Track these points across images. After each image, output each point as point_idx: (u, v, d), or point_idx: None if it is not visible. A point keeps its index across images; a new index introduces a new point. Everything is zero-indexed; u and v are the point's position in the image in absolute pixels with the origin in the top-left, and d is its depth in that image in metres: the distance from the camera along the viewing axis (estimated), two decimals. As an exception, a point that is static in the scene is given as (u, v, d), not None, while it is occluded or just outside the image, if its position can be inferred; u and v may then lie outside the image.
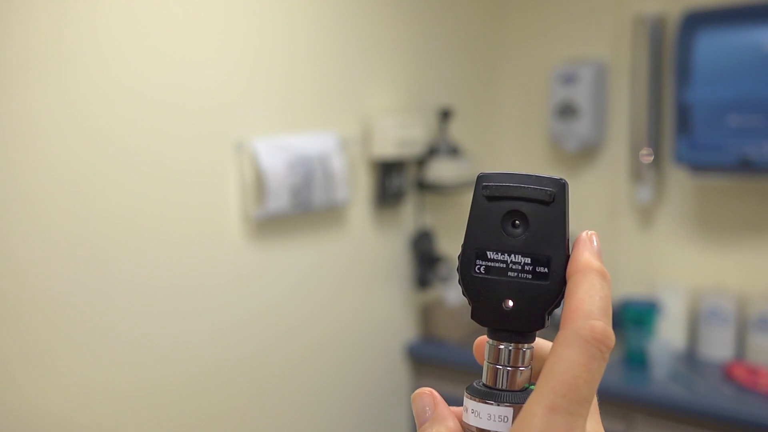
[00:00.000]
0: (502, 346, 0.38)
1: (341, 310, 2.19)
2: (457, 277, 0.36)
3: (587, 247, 0.36)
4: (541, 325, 0.37)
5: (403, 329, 2.44)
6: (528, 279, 0.37)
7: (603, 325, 0.33)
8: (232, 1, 1.82)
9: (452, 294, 2.45)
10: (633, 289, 2.43)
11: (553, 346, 0.34)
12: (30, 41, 1.43)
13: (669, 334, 2.28)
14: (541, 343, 0.39)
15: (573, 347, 0.33)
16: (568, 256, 0.37)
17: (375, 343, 2.33)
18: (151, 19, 1.64)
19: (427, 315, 2.49)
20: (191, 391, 1.78)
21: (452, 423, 0.38)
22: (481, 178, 0.39)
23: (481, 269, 0.38)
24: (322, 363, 2.14)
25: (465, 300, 0.39)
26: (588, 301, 0.34)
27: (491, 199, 0.38)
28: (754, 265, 2.29)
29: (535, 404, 0.33)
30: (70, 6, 1.49)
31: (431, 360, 2.42)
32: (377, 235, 2.29)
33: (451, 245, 2.53)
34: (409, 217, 2.42)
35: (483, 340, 0.41)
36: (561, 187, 0.37)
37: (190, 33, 1.73)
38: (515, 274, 0.37)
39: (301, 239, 2.04)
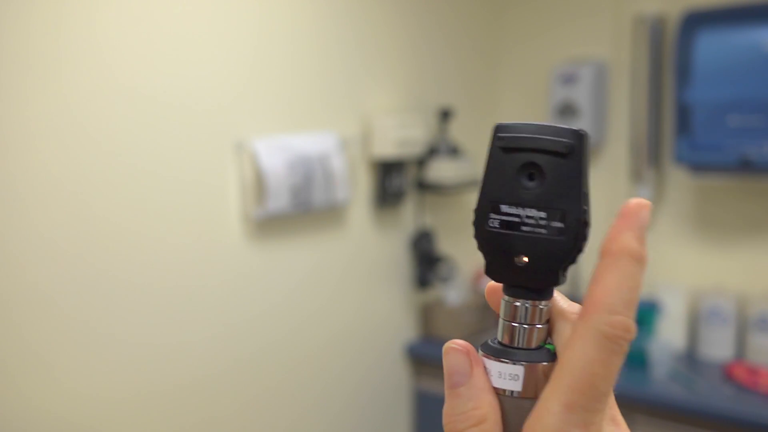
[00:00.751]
0: (518, 303, 0.37)
1: (341, 310, 2.19)
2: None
3: (630, 224, 0.34)
4: (556, 282, 0.36)
5: (403, 329, 2.44)
6: (543, 234, 0.35)
7: (624, 319, 0.32)
8: (233, 1, 1.82)
9: (452, 294, 2.45)
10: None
11: (570, 337, 0.33)
12: (30, 41, 1.43)
13: (669, 334, 2.28)
14: (557, 300, 0.38)
15: (591, 342, 0.32)
16: (585, 210, 0.35)
17: (375, 343, 2.33)
18: (151, 19, 1.64)
19: (427, 315, 2.49)
20: (191, 391, 1.78)
21: (491, 397, 0.36)
22: (497, 128, 0.37)
23: (495, 223, 0.37)
24: (322, 363, 2.14)
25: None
26: (614, 293, 0.32)
27: (506, 150, 0.36)
28: (754, 265, 2.29)
29: (552, 401, 0.32)
30: (70, 6, 1.49)
31: (431, 360, 2.42)
32: (377, 235, 2.29)
33: (450, 245, 2.53)
34: (409, 217, 2.42)
35: (494, 286, 0.39)
36: (579, 138, 0.35)
37: (191, 33, 1.73)
38: (530, 228, 0.36)
39: (301, 239, 2.04)
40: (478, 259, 2.64)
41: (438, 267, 2.42)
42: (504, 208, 0.36)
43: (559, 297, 0.38)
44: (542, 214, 0.36)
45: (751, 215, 2.29)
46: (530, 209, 0.36)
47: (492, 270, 0.37)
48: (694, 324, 2.32)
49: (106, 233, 1.58)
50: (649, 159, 2.36)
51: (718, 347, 2.23)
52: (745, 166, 2.08)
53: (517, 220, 0.36)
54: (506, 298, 0.37)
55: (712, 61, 2.12)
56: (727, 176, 2.24)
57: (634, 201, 0.35)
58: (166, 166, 1.69)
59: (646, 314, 2.21)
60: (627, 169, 2.46)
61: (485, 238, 0.37)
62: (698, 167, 2.21)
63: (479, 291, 2.54)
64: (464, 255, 2.57)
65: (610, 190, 2.51)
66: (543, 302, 0.37)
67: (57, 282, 1.51)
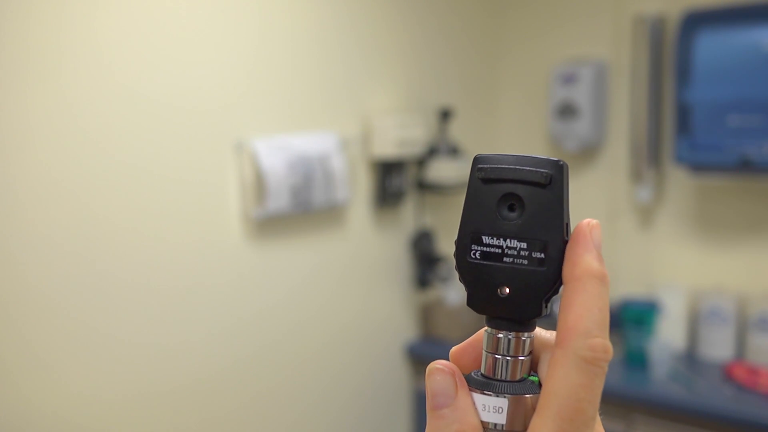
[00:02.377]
0: (500, 335, 0.36)
1: (341, 309, 2.19)
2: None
3: (586, 247, 0.34)
4: (539, 313, 0.36)
5: (403, 329, 2.44)
6: (524, 265, 0.35)
7: (602, 341, 0.32)
8: (233, 1, 1.82)
9: (452, 294, 2.45)
10: (633, 289, 2.43)
11: (551, 365, 0.33)
12: (30, 42, 1.43)
13: (669, 334, 2.27)
14: (540, 332, 0.38)
15: (574, 368, 0.32)
16: (566, 242, 0.35)
17: (375, 343, 2.33)
18: (151, 19, 1.64)
19: (426, 315, 2.49)
20: (191, 390, 1.78)
21: (474, 420, 0.35)
22: (476, 159, 0.37)
23: (477, 254, 0.37)
24: (322, 362, 2.14)
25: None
26: (586, 316, 0.33)
27: (486, 181, 0.36)
28: (754, 264, 2.29)
29: (541, 430, 0.32)
30: (69, 6, 1.49)
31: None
32: (377, 235, 2.29)
33: (451, 245, 2.52)
34: (409, 217, 2.42)
35: (458, 351, 0.39)
36: (559, 168, 0.35)
37: (191, 33, 1.73)
38: (511, 259, 0.36)
39: (301, 239, 2.04)
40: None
41: (438, 267, 2.42)
42: (485, 239, 0.36)
43: (540, 329, 0.38)
44: (523, 245, 0.36)
45: (751, 215, 2.29)
46: (511, 240, 0.36)
47: (474, 301, 0.37)
48: (694, 324, 2.32)
49: (106, 233, 1.58)
50: (649, 159, 2.36)
51: (718, 347, 2.23)
52: (745, 166, 2.08)
53: (498, 251, 0.36)
54: (489, 330, 0.37)
55: (712, 61, 2.12)
56: (726, 176, 2.24)
57: (585, 222, 0.35)
58: (167, 166, 1.69)
59: (646, 314, 2.21)
60: (627, 169, 2.46)
61: (467, 270, 0.37)
62: (698, 167, 2.21)
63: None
64: (464, 255, 2.56)
65: (610, 190, 2.51)
66: (526, 333, 0.37)
67: (57, 281, 1.51)
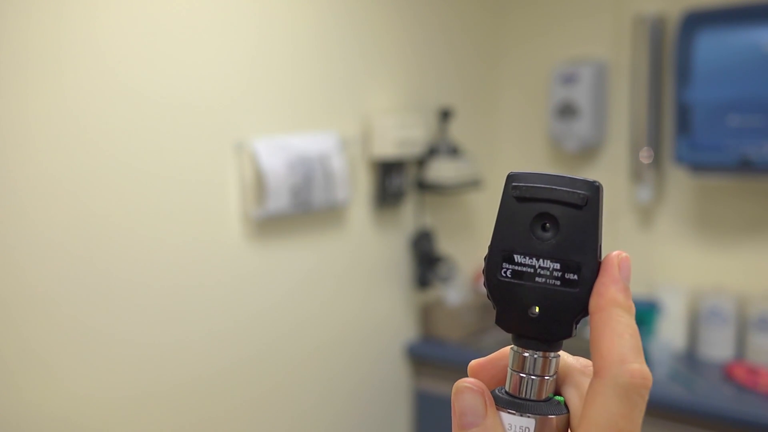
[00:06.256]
0: (527, 354, 0.36)
1: (341, 310, 2.19)
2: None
3: (613, 278, 0.35)
4: (569, 334, 0.36)
5: (403, 329, 2.44)
6: (556, 285, 0.35)
7: (640, 367, 0.32)
8: (233, 1, 1.82)
9: (452, 294, 2.45)
10: (633, 289, 2.40)
11: (590, 395, 0.33)
12: (29, 41, 1.43)
13: (669, 334, 2.28)
14: (564, 355, 0.38)
15: (614, 398, 0.32)
16: (599, 264, 0.35)
17: (375, 343, 2.33)
18: (151, 19, 1.64)
19: (427, 315, 2.49)
20: (190, 390, 1.78)
21: None
22: (511, 177, 0.37)
23: (508, 273, 0.36)
24: (322, 363, 2.14)
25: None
26: (618, 342, 0.33)
27: (521, 200, 0.36)
28: (754, 265, 2.29)
29: None
30: (69, 6, 1.49)
31: (431, 360, 2.42)
32: (377, 235, 2.29)
33: (451, 245, 2.53)
34: (409, 217, 2.42)
35: (476, 366, 0.39)
36: (595, 190, 0.35)
37: (191, 33, 1.73)
38: (543, 279, 0.36)
39: (301, 239, 2.04)
40: (478, 259, 2.65)
41: (438, 267, 2.42)
42: (518, 257, 0.36)
43: (563, 352, 0.38)
44: (556, 266, 0.36)
45: (751, 215, 2.29)
46: (544, 260, 0.36)
47: (503, 320, 0.37)
48: (694, 324, 2.32)
49: (106, 233, 1.58)
50: (649, 159, 2.36)
51: (718, 347, 2.23)
52: (745, 166, 2.08)
53: (530, 270, 0.36)
54: (515, 348, 0.37)
55: (712, 61, 2.12)
56: (727, 176, 2.24)
57: (614, 254, 0.35)
58: (166, 166, 1.69)
59: (646, 314, 2.21)
60: (627, 169, 2.46)
61: (497, 288, 0.37)
62: (698, 167, 2.21)
63: (479, 291, 2.54)
64: (464, 255, 2.57)
65: (611, 190, 2.51)
66: (553, 353, 0.36)
67: (56, 281, 1.51)
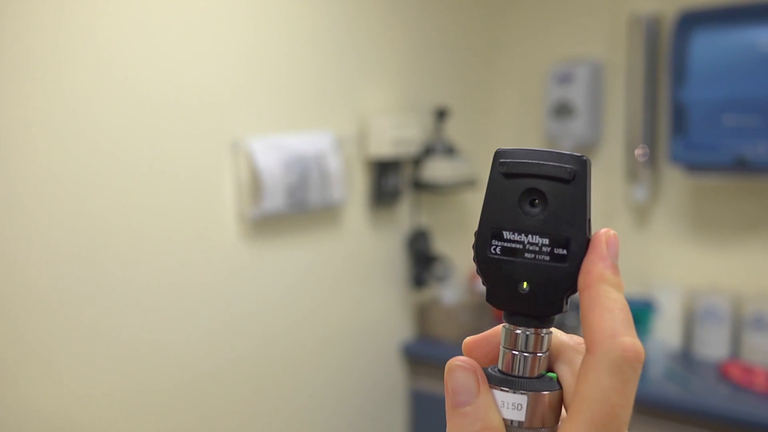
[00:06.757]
0: (519, 331, 0.36)
1: (337, 309, 2.19)
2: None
3: (600, 255, 0.34)
4: (560, 310, 0.35)
5: (399, 328, 2.44)
6: (546, 261, 0.35)
7: (632, 340, 0.32)
8: (228, 0, 1.81)
9: (448, 293, 2.45)
10: (629, 288, 2.43)
11: (582, 371, 0.32)
12: (28, 40, 1.43)
13: (664, 334, 2.28)
14: (556, 332, 0.37)
15: (606, 373, 0.31)
16: (588, 239, 0.35)
17: (371, 343, 2.32)
18: (147, 18, 1.64)
19: (423, 314, 2.49)
20: (186, 389, 1.78)
21: (497, 417, 0.35)
22: (498, 154, 0.37)
23: (497, 250, 0.36)
24: (318, 362, 2.14)
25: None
26: (608, 316, 0.32)
27: (508, 176, 0.36)
28: (749, 264, 2.29)
29: None
30: (68, 5, 1.49)
31: (427, 359, 2.42)
32: (373, 234, 2.29)
33: (447, 245, 2.53)
34: (405, 216, 2.42)
35: (470, 342, 0.39)
36: (582, 164, 0.35)
37: (187, 32, 1.72)
38: (532, 255, 0.35)
39: (297, 239, 2.04)
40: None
41: (434, 266, 2.42)
42: (506, 234, 0.36)
43: (556, 329, 0.37)
44: (545, 241, 0.35)
45: (747, 214, 2.30)
46: (533, 236, 0.36)
47: (493, 297, 0.37)
48: (690, 323, 2.33)
49: (102, 232, 1.58)
50: (644, 158, 2.37)
51: (714, 346, 2.23)
52: (741, 166, 2.08)
53: (519, 246, 0.36)
54: (507, 325, 0.37)
55: (708, 60, 2.12)
56: (722, 176, 2.24)
57: (602, 231, 0.35)
58: (163, 166, 1.69)
59: (642, 313, 2.21)
60: (623, 169, 2.46)
61: (486, 265, 0.37)
62: (694, 167, 2.21)
63: (475, 291, 2.54)
64: (460, 254, 2.57)
65: (606, 190, 2.52)
66: (544, 330, 0.36)
67: (53, 280, 1.50)
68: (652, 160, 2.38)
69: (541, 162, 0.36)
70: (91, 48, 1.54)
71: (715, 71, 2.11)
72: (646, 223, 2.47)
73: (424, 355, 2.43)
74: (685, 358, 2.27)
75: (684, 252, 2.41)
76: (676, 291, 2.31)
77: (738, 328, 2.24)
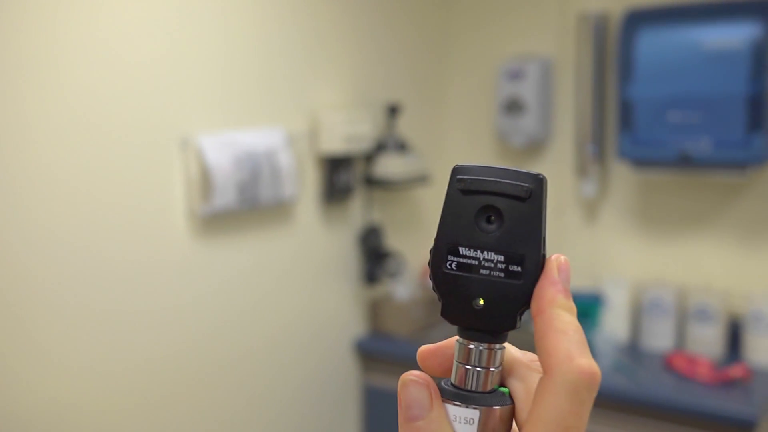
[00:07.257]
0: (472, 346, 0.36)
1: (289, 305, 2.18)
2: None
3: (551, 281, 0.35)
4: (513, 326, 0.36)
5: (352, 325, 2.44)
6: (500, 277, 0.36)
7: (588, 362, 0.32)
8: (176, -7, 1.79)
9: (400, 289, 2.45)
10: (578, 282, 2.47)
11: (539, 393, 0.33)
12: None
13: (613, 326, 2.32)
14: (509, 347, 0.38)
15: (563, 395, 0.32)
16: (543, 256, 0.36)
17: (323, 339, 2.32)
18: (93, 13, 1.60)
19: (375, 310, 2.49)
20: (133, 384, 1.75)
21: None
22: (456, 170, 0.37)
23: (453, 265, 0.37)
24: (270, 357, 2.12)
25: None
26: (563, 339, 0.33)
27: (465, 192, 0.36)
28: (693, 257, 2.35)
29: None
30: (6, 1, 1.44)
31: (380, 355, 2.42)
32: (325, 231, 2.28)
33: (399, 241, 2.53)
34: (357, 212, 2.41)
35: (425, 351, 0.39)
36: (539, 182, 0.36)
37: (134, 29, 1.69)
38: (487, 271, 0.36)
39: (248, 236, 2.02)
40: (426, 255, 2.65)
41: (386, 262, 2.42)
42: (462, 250, 0.36)
43: (509, 344, 0.38)
44: (500, 258, 0.36)
45: (691, 209, 2.36)
46: (489, 252, 0.36)
47: (448, 312, 0.37)
48: (637, 315, 2.38)
49: (49, 228, 1.54)
50: (593, 154, 2.41)
51: (659, 338, 2.28)
52: (684, 161, 2.13)
53: (474, 262, 0.36)
54: (461, 340, 0.37)
55: (653, 58, 2.16)
56: (667, 171, 2.29)
57: (553, 257, 0.35)
58: (110, 163, 1.66)
59: (591, 307, 2.25)
60: (572, 165, 2.50)
61: (442, 280, 0.37)
62: (640, 162, 2.26)
63: (427, 286, 2.55)
64: (412, 250, 2.58)
65: (556, 185, 2.55)
66: (498, 345, 0.37)
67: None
68: (600, 155, 2.42)
69: (498, 179, 0.36)
70: (37, 44, 1.49)
71: (661, 69, 2.16)
72: (595, 218, 2.52)
73: (377, 351, 2.43)
74: (633, 349, 2.32)
75: (631, 246, 2.46)
76: (623, 284, 2.36)
77: (682, 319, 2.30)
